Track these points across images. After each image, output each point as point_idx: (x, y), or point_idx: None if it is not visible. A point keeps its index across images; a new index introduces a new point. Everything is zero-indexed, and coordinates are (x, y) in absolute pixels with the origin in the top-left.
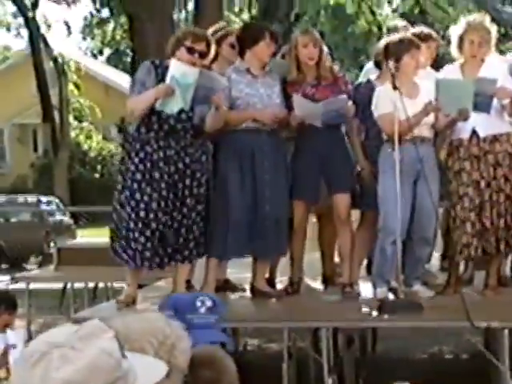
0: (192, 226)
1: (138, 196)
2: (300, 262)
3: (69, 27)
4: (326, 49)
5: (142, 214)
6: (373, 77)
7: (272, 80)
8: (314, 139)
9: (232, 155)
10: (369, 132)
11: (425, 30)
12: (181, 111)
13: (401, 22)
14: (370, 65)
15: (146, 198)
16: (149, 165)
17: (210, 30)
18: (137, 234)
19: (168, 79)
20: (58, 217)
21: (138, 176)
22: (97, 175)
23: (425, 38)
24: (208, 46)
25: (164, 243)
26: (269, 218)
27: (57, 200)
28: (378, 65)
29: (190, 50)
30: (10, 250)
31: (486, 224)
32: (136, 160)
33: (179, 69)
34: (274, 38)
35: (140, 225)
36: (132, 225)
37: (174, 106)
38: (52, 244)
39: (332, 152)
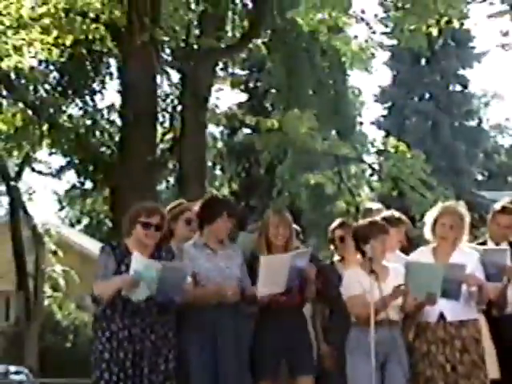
0: None
1: (106, 376)
2: None
3: (58, 198)
4: (295, 229)
5: None
6: (336, 259)
7: (232, 251)
8: (276, 321)
9: (193, 330)
10: (332, 315)
11: (395, 213)
12: None
13: (375, 205)
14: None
15: (114, 377)
16: (115, 344)
17: (168, 208)
18: None
19: (131, 272)
20: None
21: (106, 355)
22: (68, 345)
23: (395, 221)
24: (162, 218)
25: None
26: None
27: (26, 370)
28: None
29: (146, 225)
30: None
31: None
32: (103, 339)
33: (141, 263)
34: (231, 214)
35: None
36: None
37: (139, 296)
38: None
39: (294, 335)
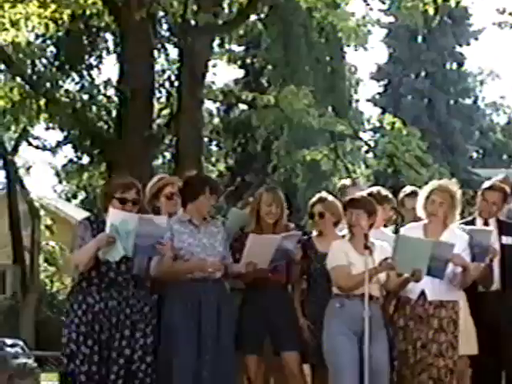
0: (144, 379)
1: (83, 349)
2: None
3: (55, 172)
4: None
5: (86, 367)
6: (314, 234)
7: (215, 228)
8: (262, 297)
9: (178, 305)
10: (309, 289)
11: (382, 191)
12: (120, 263)
13: (348, 181)
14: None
15: (88, 351)
16: (90, 317)
17: (148, 186)
18: None
19: (107, 228)
20: (22, 360)
21: (82, 328)
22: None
23: (380, 199)
24: (137, 192)
25: None
26: (211, 370)
27: (21, 343)
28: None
29: (122, 201)
30: None
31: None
32: (79, 313)
33: (118, 216)
34: (214, 191)
35: (83, 378)
36: (78, 380)
37: (115, 254)
38: None
39: (279, 312)
